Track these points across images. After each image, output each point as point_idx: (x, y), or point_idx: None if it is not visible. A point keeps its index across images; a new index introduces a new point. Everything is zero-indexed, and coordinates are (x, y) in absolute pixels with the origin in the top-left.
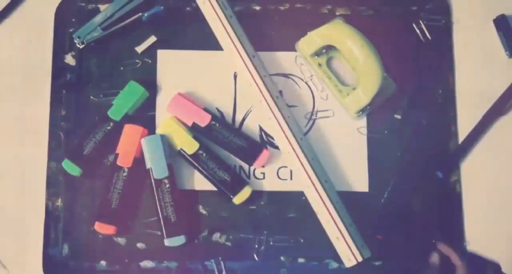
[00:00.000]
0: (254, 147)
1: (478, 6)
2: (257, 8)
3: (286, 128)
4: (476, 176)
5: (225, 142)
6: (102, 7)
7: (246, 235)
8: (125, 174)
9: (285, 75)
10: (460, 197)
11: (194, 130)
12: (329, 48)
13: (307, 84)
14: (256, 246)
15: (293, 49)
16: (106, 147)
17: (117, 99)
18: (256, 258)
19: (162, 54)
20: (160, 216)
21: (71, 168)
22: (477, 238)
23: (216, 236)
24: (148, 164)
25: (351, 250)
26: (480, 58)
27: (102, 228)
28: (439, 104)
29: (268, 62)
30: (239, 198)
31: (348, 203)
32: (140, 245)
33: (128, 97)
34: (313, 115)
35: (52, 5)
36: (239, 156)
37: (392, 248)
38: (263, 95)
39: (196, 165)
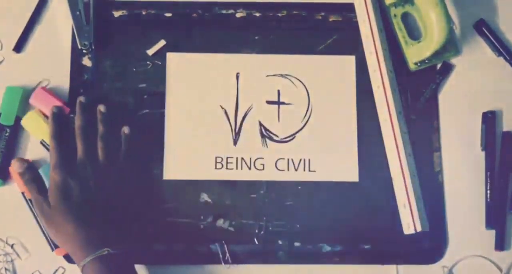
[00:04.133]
0: None
1: (457, 12)
2: (257, 14)
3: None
4: (456, 168)
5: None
6: (115, 13)
7: (247, 221)
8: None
9: (283, 76)
10: (442, 187)
11: None
12: (408, 2)
13: (302, 83)
14: (256, 231)
15: (289, 52)
16: (13, 151)
17: (2, 107)
18: (256, 242)
19: (171, 57)
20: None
21: None
22: (455, 222)
23: (220, 222)
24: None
25: (413, 219)
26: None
27: (62, 251)
28: (424, 102)
29: (267, 64)
30: None
31: (340, 191)
32: (151, 230)
33: (11, 101)
34: (308, 111)
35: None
36: None
37: (380, 233)
38: (389, 111)
39: None
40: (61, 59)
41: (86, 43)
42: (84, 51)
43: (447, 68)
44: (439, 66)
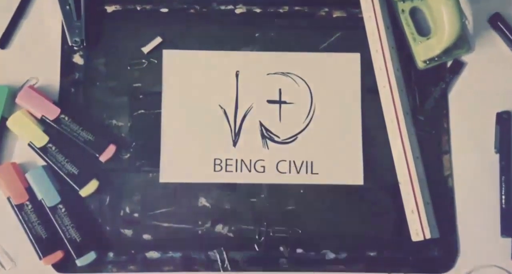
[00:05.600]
0: (102, 141)
1: (470, 5)
2: (258, 10)
3: (405, 135)
4: (467, 172)
5: (74, 135)
6: (108, 8)
7: (247, 226)
8: (29, 207)
9: (284, 74)
10: (452, 191)
11: (43, 123)
12: None
13: (305, 82)
14: (257, 237)
15: (290, 49)
16: None
17: None
18: (257, 248)
19: (168, 54)
20: (65, 239)
21: None
22: (467, 229)
23: (219, 227)
24: (39, 196)
25: (421, 226)
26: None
27: (51, 259)
28: (434, 102)
29: (268, 61)
30: (86, 191)
31: (344, 195)
32: (146, 236)
33: None
34: (310, 111)
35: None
36: (87, 148)
37: (387, 240)
38: (396, 113)
39: (45, 158)
40: (50, 57)
41: (77, 39)
42: (75, 48)
43: (458, 66)
44: (449, 64)
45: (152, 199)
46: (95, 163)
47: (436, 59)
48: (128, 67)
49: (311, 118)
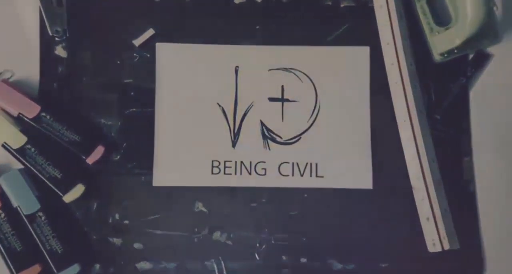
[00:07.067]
0: (89, 141)
1: None
2: (259, 0)
3: (419, 138)
4: (491, 176)
5: (57, 135)
6: None
7: (247, 233)
8: (2, 215)
9: (287, 69)
10: (474, 198)
11: (20, 122)
12: None
13: (309, 78)
14: (257, 245)
15: (294, 43)
16: None
17: None
18: (257, 258)
19: (161, 48)
20: (44, 251)
21: None
22: (493, 240)
23: (217, 235)
24: (15, 203)
25: (439, 235)
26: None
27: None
28: (452, 100)
29: (269, 56)
30: (70, 196)
31: (351, 200)
32: (137, 245)
33: None
34: (315, 110)
35: None
36: (72, 150)
37: (399, 250)
38: (409, 112)
39: (23, 160)
40: (27, 48)
41: (58, 29)
42: (56, 39)
43: (483, 59)
44: (471, 56)
45: (144, 204)
46: (81, 166)
47: (455, 51)
48: (118, 62)
49: (315, 117)
